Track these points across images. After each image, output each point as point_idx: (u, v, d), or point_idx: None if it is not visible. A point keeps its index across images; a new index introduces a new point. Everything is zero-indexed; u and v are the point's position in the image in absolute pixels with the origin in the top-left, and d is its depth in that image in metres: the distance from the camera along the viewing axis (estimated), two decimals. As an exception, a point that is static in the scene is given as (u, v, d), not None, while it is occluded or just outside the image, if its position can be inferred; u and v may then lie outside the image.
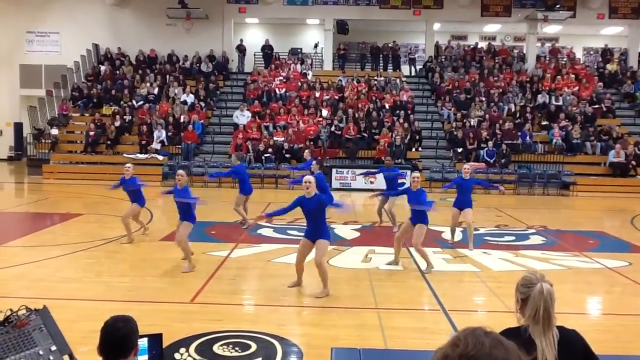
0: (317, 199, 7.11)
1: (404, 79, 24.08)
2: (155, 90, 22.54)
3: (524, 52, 26.04)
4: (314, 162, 11.92)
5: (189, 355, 5.13)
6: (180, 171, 8.67)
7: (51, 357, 2.98)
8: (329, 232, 7.44)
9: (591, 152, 20.03)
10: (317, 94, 22.14)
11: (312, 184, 7.12)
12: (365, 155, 19.78)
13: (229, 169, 13.84)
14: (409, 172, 14.44)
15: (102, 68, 23.95)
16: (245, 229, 11.27)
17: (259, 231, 11.14)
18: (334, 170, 18.37)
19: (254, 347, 5.35)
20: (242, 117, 20.87)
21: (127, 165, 10.30)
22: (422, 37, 26.26)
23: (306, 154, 13.87)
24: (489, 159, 19.16)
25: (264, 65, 25.05)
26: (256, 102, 21.75)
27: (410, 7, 24.44)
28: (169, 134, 20.40)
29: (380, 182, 17.75)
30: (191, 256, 8.27)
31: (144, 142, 19.99)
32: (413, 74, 25.73)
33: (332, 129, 20.20)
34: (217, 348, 5.31)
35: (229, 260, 8.84)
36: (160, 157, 19.55)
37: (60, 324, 3.14)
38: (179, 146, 20.12)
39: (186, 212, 8.34)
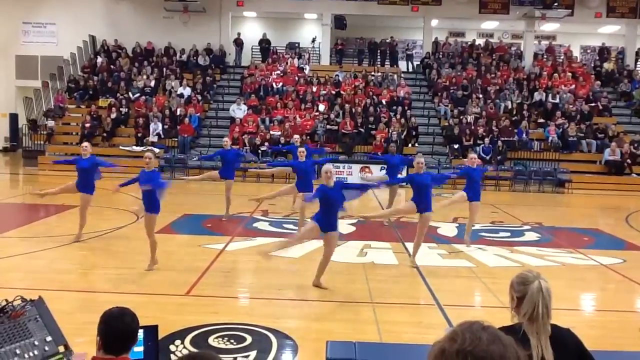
0: (339, 185, 6.99)
1: (401, 75, 24.08)
2: (152, 83, 22.46)
3: (522, 49, 26.05)
4: (301, 149, 11.15)
5: (184, 347, 5.12)
6: (148, 153, 7.66)
7: (46, 348, 2.97)
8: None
9: (587, 150, 20.07)
10: (314, 89, 22.10)
11: (333, 173, 6.94)
12: (362, 151, 19.78)
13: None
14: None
15: (99, 60, 23.84)
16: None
17: (254, 224, 11.15)
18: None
19: (249, 339, 5.35)
20: (239, 110, 20.83)
21: (85, 144, 9.99)
22: (419, 33, 26.25)
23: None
24: (485, 156, 19.16)
25: (261, 59, 24.99)
26: (253, 96, 21.71)
27: (409, 3, 24.39)
28: (166, 126, 20.35)
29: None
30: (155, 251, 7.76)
31: (140, 135, 19.94)
32: (410, 70, 25.73)
33: (329, 124, 20.19)
34: (212, 340, 5.31)
35: (224, 253, 8.82)
36: (157, 150, 19.43)
37: (55, 315, 3.14)
38: (176, 139, 20.07)
39: (151, 200, 7.50)
